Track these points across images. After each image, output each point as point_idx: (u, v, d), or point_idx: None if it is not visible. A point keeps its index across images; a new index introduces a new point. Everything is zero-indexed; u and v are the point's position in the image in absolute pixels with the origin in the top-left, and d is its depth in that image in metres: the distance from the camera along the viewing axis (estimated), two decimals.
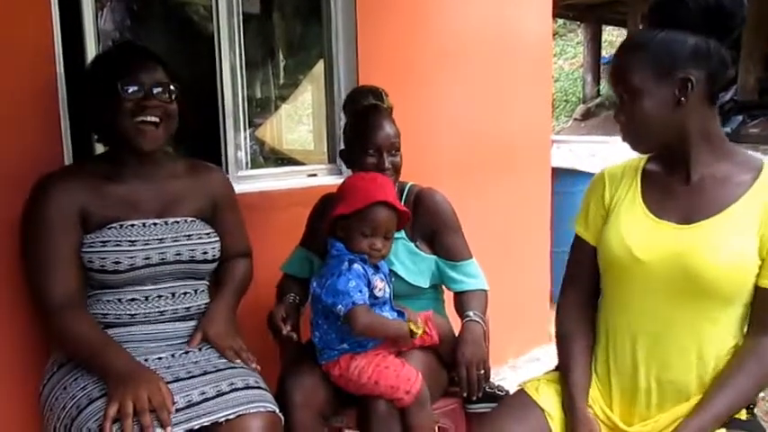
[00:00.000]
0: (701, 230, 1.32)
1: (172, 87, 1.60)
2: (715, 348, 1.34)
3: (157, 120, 1.58)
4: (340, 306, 1.61)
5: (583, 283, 1.52)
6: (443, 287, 1.98)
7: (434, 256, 1.89)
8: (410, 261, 1.86)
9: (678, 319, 1.34)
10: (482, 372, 1.73)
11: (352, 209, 1.65)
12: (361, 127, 1.84)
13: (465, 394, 1.74)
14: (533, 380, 1.52)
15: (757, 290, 1.32)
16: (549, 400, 1.44)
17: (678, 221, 1.35)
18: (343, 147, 1.92)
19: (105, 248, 1.54)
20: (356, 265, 1.65)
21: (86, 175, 1.58)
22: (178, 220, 1.65)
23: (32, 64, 1.68)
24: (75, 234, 1.54)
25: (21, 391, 1.69)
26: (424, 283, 1.88)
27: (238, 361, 1.60)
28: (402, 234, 1.86)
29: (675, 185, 1.38)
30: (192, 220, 1.67)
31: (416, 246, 1.88)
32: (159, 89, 1.58)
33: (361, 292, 1.61)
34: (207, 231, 1.69)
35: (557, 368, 1.54)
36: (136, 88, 1.55)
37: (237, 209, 1.85)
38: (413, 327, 1.70)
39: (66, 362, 1.55)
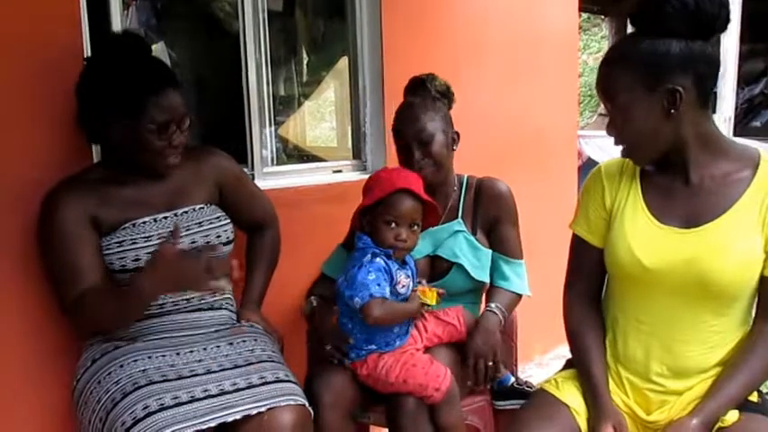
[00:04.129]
0: (707, 234, 1.32)
1: (188, 117, 1.60)
2: (724, 337, 1.36)
3: (180, 151, 1.60)
4: (357, 299, 1.59)
5: (589, 281, 1.51)
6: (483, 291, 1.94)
7: (491, 250, 1.87)
8: (473, 256, 1.83)
9: (688, 317, 1.36)
10: (491, 363, 1.69)
11: (374, 199, 1.64)
12: (393, 123, 1.85)
13: (469, 383, 1.70)
14: (550, 379, 1.51)
15: (763, 280, 1.33)
16: (571, 396, 1.44)
17: (682, 225, 1.34)
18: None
19: (122, 248, 1.56)
20: (378, 259, 1.63)
21: (91, 183, 1.58)
22: (187, 209, 1.66)
23: (61, 63, 1.69)
24: (91, 240, 1.55)
25: (55, 389, 1.71)
26: (486, 278, 1.86)
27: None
28: (462, 227, 1.85)
29: (675, 187, 1.37)
30: (200, 207, 1.68)
31: (477, 239, 1.85)
32: (184, 123, 1.58)
33: (379, 285, 1.59)
34: (217, 215, 1.70)
35: (568, 366, 1.55)
36: (172, 129, 1.55)
37: (245, 181, 1.86)
38: (422, 297, 1.69)
39: (99, 357, 1.57)
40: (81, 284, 1.52)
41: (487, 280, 1.87)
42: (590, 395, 1.42)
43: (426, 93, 1.86)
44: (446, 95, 1.89)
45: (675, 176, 1.37)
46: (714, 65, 1.29)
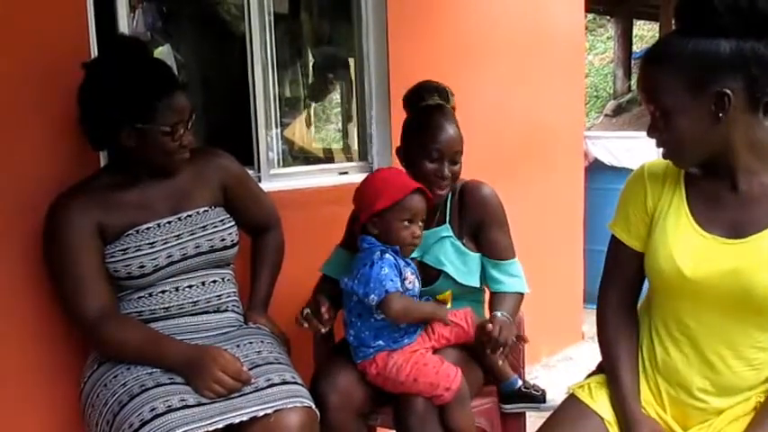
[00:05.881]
0: (753, 245, 1.24)
1: (193, 115, 1.61)
2: None
3: (189, 148, 1.62)
4: (373, 295, 1.59)
5: (625, 285, 1.44)
6: (484, 288, 1.93)
7: (479, 254, 1.84)
8: (460, 261, 1.81)
9: (731, 331, 1.29)
10: (511, 339, 1.66)
11: (391, 201, 1.64)
12: (424, 128, 1.77)
13: (488, 351, 1.66)
14: (583, 384, 1.45)
15: None
16: (605, 407, 1.38)
17: (727, 235, 1.27)
18: (400, 144, 1.86)
19: (127, 255, 1.56)
20: (388, 255, 1.65)
21: (96, 190, 1.59)
22: (191, 213, 1.66)
23: (69, 67, 1.70)
24: (96, 249, 1.55)
25: (63, 390, 1.72)
26: (475, 282, 1.83)
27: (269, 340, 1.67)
28: (449, 232, 1.82)
29: (722, 194, 1.29)
30: (204, 211, 1.68)
31: (463, 244, 1.82)
32: (190, 122, 1.59)
33: (392, 280, 1.61)
34: (221, 218, 1.70)
35: (599, 369, 1.49)
36: (181, 131, 1.56)
37: (248, 183, 1.86)
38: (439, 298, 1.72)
39: (106, 360, 1.58)
40: (90, 300, 1.53)
41: (477, 284, 1.85)
42: (619, 404, 1.36)
43: (447, 101, 1.83)
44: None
45: (722, 182, 1.29)
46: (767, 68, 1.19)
